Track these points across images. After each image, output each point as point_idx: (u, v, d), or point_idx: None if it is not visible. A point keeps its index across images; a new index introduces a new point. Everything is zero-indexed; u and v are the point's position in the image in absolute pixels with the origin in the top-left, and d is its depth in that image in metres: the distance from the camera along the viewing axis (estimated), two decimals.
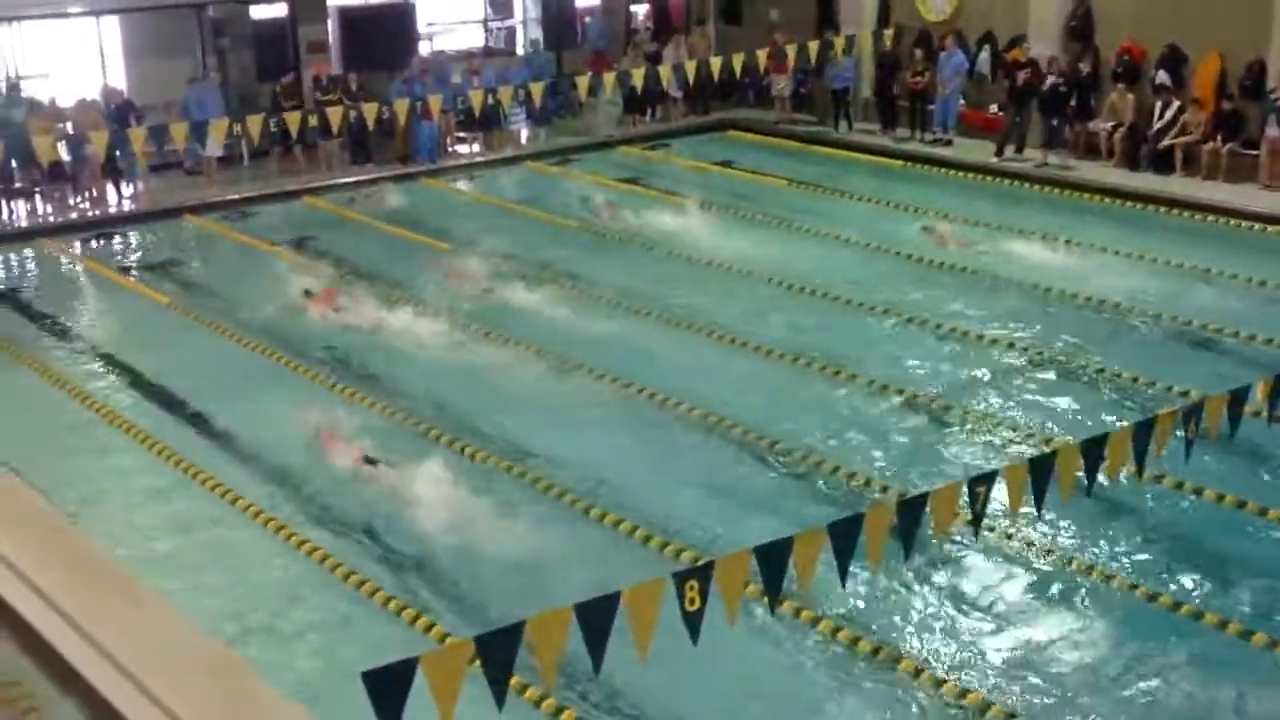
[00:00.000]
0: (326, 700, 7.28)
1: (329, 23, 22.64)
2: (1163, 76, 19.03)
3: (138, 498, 10.27)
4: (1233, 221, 16.88)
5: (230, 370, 12.87)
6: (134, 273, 16.51)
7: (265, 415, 11.53)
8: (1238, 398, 8.14)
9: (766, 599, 6.56)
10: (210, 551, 9.42)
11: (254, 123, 16.85)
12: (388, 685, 5.00)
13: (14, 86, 19.72)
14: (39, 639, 7.36)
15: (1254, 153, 18.09)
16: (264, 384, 12.46)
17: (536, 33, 25.40)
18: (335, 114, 17.47)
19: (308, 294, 14.52)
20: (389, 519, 9.71)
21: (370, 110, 17.56)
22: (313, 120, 17.52)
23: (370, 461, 10.31)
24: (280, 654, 8.05)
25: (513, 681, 6.85)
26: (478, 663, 5.36)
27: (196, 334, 13.93)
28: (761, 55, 19.81)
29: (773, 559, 6.28)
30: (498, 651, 5.36)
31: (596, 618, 5.61)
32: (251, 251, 16.90)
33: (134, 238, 18.00)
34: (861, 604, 8.35)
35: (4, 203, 18.60)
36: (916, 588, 8.70)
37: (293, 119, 17.03)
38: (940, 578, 8.83)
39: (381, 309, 14.16)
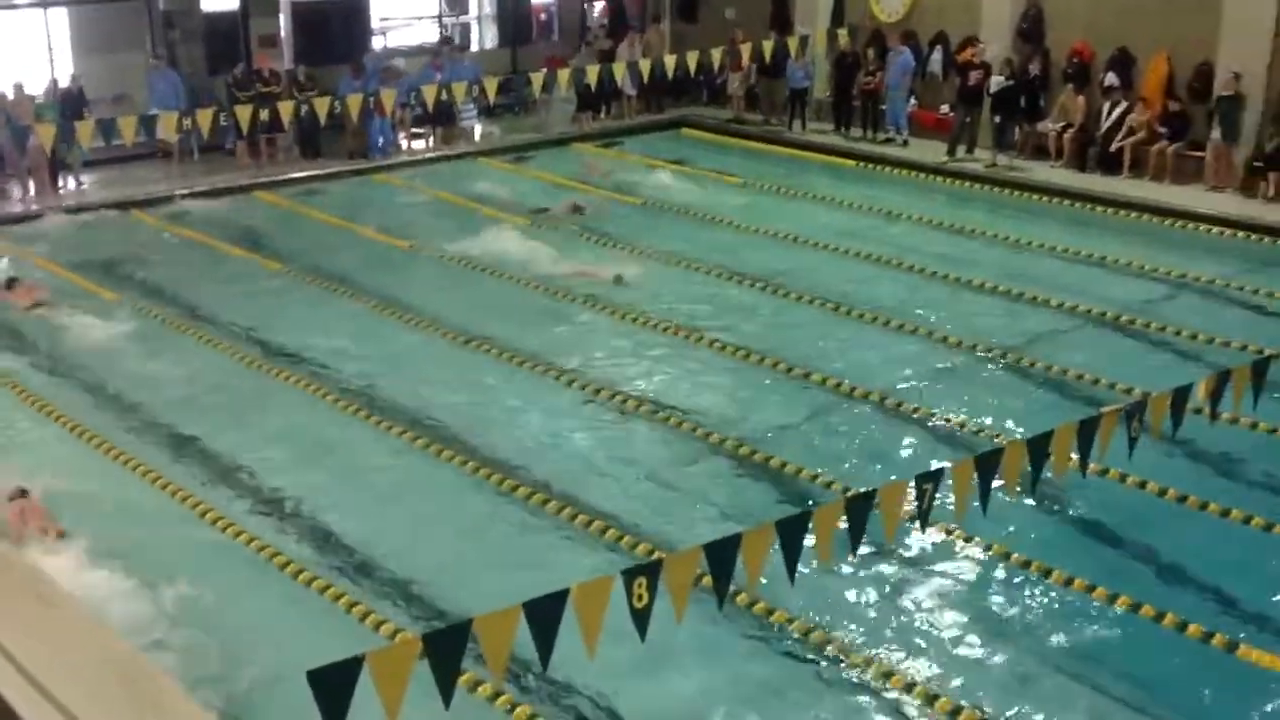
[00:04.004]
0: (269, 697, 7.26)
1: (281, 17, 22.49)
2: (1111, 78, 19.26)
3: None
4: (1179, 222, 17.11)
5: None
6: None
7: None
8: (1180, 396, 8.25)
9: (716, 595, 6.59)
10: None
11: (204, 116, 16.70)
12: (333, 684, 4.97)
13: None
14: None
15: (1200, 154, 18.35)
16: None
17: (492, 28, 25.35)
18: (285, 108, 17.36)
19: (9, 283, 14.61)
20: (340, 513, 9.69)
21: (321, 105, 17.47)
22: (264, 114, 17.41)
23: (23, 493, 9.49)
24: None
25: (464, 678, 6.90)
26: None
27: None
28: (716, 53, 19.87)
29: (722, 556, 6.30)
30: (445, 650, 5.35)
31: (545, 615, 5.61)
32: None
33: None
34: (811, 599, 8.40)
35: None
36: (865, 583, 8.77)
37: (243, 113, 16.90)
38: (887, 572, 8.90)
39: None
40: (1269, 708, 7.51)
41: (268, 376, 12.45)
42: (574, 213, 17.52)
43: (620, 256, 15.84)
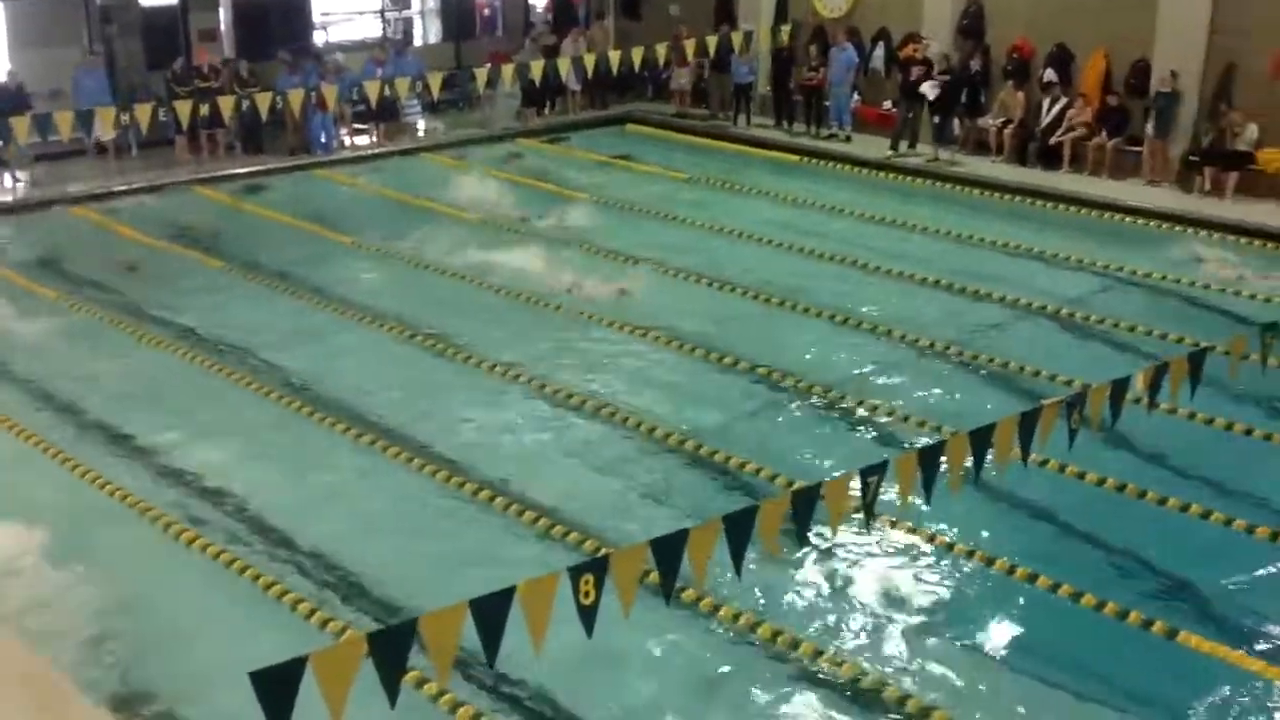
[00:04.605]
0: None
1: (220, 11, 22.24)
2: (1050, 74, 19.48)
3: None
4: (1117, 216, 17.34)
5: None
6: None
7: None
8: (1119, 387, 8.37)
9: (663, 590, 6.60)
10: None
11: (143, 111, 16.49)
12: (276, 685, 4.93)
13: None
14: None
15: (1137, 149, 18.62)
16: None
17: (435, 23, 25.22)
18: (226, 103, 17.16)
19: None
20: (283, 510, 9.61)
21: (263, 100, 17.30)
22: (203, 109, 17.21)
23: None
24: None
25: (411, 675, 6.87)
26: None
27: None
28: (661, 49, 19.89)
29: (668, 551, 6.32)
30: (391, 649, 5.32)
31: (491, 613, 5.59)
32: None
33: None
34: (758, 593, 8.44)
35: None
36: (811, 575, 8.83)
37: (183, 108, 16.69)
38: (833, 565, 8.96)
39: None
40: (1208, 694, 7.63)
41: (209, 373, 12.33)
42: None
43: (568, 253, 15.82)
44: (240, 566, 8.85)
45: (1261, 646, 8.02)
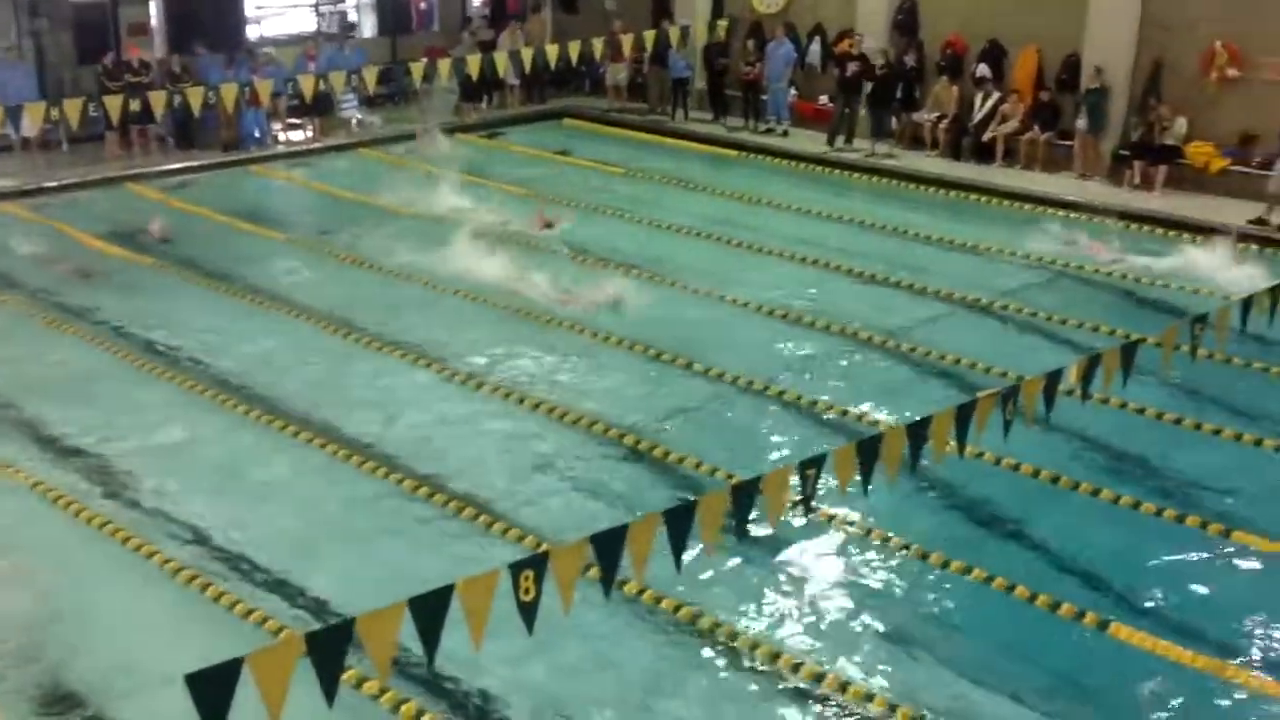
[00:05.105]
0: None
1: (151, 5, 21.91)
2: (983, 69, 19.70)
3: None
4: (1050, 209, 17.56)
5: None
6: None
7: None
8: (1053, 379, 8.47)
9: (603, 585, 6.60)
10: None
11: (72, 106, 16.20)
12: (212, 687, 4.86)
13: None
14: None
15: (1069, 143, 18.87)
16: None
17: (371, 17, 25.00)
18: (157, 99, 16.90)
19: None
20: (218, 509, 9.50)
21: (194, 95, 17.05)
22: (134, 105, 16.94)
23: None
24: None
25: (349, 674, 6.82)
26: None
27: None
28: (598, 44, 19.87)
29: (608, 546, 6.31)
30: (328, 649, 5.27)
31: (430, 612, 5.56)
32: None
33: None
34: (698, 586, 8.46)
35: None
36: (751, 568, 8.86)
37: (113, 103, 16.41)
38: (773, 557, 9.01)
39: None
40: (1139, 685, 7.74)
41: (140, 370, 12.16)
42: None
43: (505, 248, 15.75)
44: (174, 567, 8.74)
45: (1191, 636, 8.13)
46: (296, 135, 21.59)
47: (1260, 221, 16.40)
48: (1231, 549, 9.12)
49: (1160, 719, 7.47)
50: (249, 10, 23.42)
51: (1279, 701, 7.58)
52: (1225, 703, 7.59)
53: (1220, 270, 14.71)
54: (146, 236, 16.13)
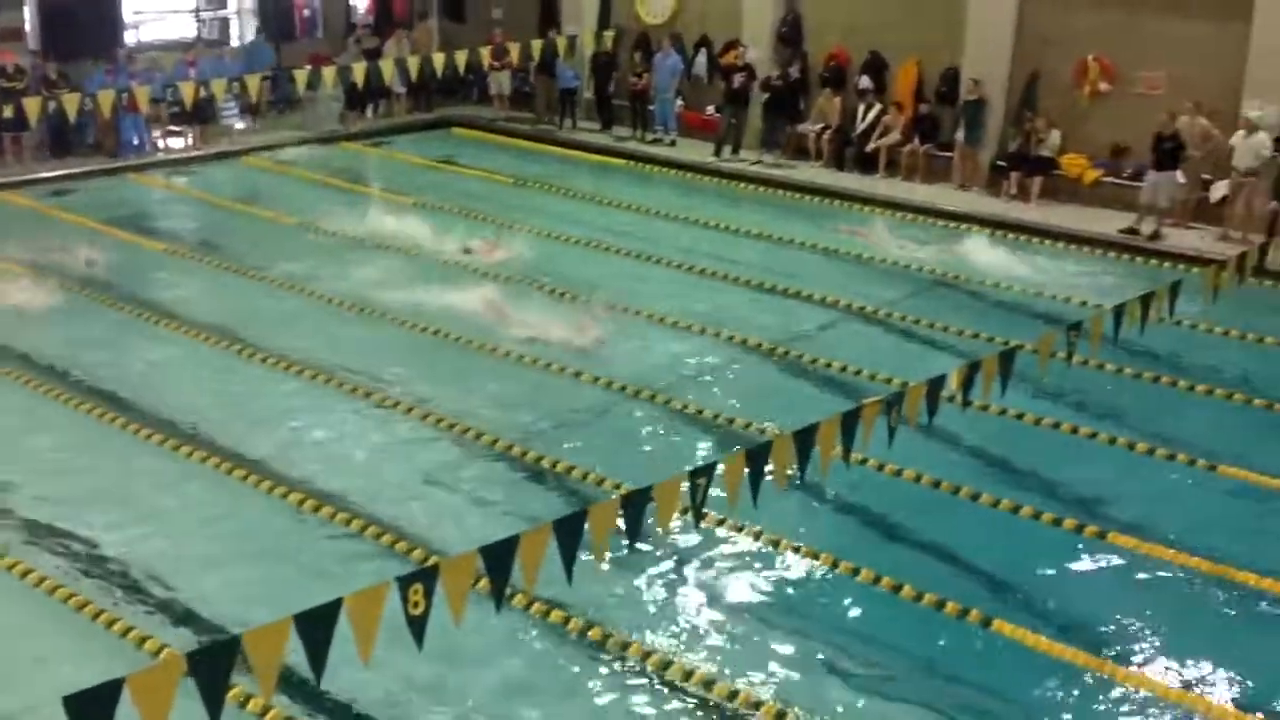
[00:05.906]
0: None
1: (25, 9, 21.29)
2: (865, 82, 20.05)
3: None
4: (930, 220, 17.92)
5: None
6: None
7: None
8: (935, 386, 8.65)
9: (494, 597, 6.58)
10: None
11: None
12: (92, 709, 4.75)
13: None
14: None
15: (949, 154, 19.29)
16: None
17: (252, 24, 24.59)
18: (31, 105, 16.44)
19: None
20: (100, 526, 9.26)
21: (71, 101, 16.62)
22: (7, 111, 16.44)
23: None
24: None
25: (234, 693, 6.70)
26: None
27: None
28: (485, 52, 19.80)
29: (499, 558, 6.29)
30: (212, 668, 5.17)
31: (317, 628, 5.48)
32: None
33: None
34: (589, 596, 8.46)
35: None
36: (642, 577, 8.90)
37: None
38: (664, 566, 9.06)
39: None
40: (1021, 679, 7.93)
41: (16, 386, 11.80)
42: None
43: (390, 258, 15.62)
44: (50, 586, 8.50)
45: (1070, 632, 8.36)
46: (177, 143, 21.14)
47: (1131, 231, 16.94)
48: (1108, 551, 9.38)
49: (1041, 714, 7.67)
50: (127, 16, 22.89)
51: (1151, 694, 7.83)
52: (1102, 695, 7.82)
53: (1093, 279, 15.16)
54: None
